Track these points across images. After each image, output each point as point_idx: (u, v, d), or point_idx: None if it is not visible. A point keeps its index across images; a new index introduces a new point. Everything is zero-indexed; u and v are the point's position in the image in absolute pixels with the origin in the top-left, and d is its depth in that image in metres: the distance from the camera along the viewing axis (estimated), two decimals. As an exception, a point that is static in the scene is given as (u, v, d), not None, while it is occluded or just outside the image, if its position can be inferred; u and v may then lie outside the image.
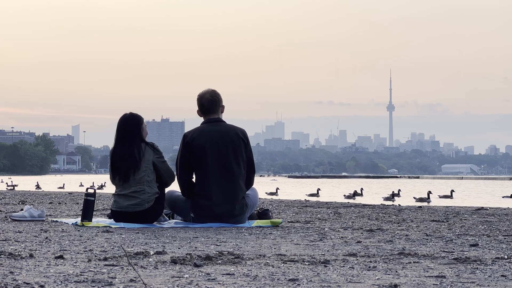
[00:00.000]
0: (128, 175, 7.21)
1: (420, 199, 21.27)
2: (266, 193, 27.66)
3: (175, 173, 7.40)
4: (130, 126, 7.32)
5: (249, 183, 7.41)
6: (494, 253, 4.83)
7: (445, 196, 25.00)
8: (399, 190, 27.32)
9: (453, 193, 25.59)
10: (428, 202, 19.97)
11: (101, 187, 37.07)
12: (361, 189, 27.97)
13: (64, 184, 40.53)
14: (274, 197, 22.28)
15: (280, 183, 55.65)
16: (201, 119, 7.54)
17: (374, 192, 32.69)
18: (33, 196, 16.09)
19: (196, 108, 7.50)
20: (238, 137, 7.35)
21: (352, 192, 25.52)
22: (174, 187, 7.52)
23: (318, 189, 28.32)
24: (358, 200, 21.82)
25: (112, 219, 7.40)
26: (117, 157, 7.29)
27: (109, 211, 8.64)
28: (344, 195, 25.07)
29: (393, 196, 23.24)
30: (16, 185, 34.92)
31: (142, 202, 7.18)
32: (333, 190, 35.32)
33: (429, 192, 23.33)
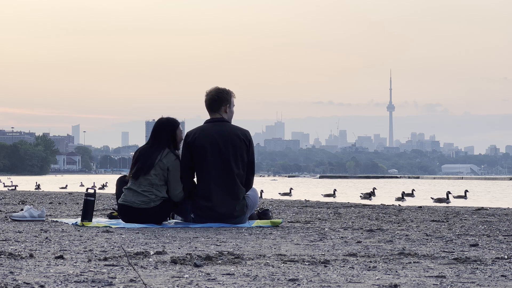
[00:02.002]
0: (139, 174, 7.25)
1: (439, 200, 20.89)
2: (279, 193, 27.53)
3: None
4: (161, 131, 7.37)
5: (248, 185, 7.36)
6: (494, 253, 4.83)
7: (459, 197, 24.74)
8: (413, 190, 27.14)
9: (467, 193, 25.41)
10: (448, 203, 19.61)
11: (102, 187, 37.05)
12: (374, 189, 27.84)
13: (66, 185, 40.40)
14: (287, 197, 22.15)
15: (280, 183, 55.53)
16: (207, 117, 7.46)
17: (385, 192, 32.52)
18: (33, 196, 16.08)
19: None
20: (239, 138, 7.28)
21: (368, 193, 25.33)
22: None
23: (335, 190, 27.89)
24: (374, 200, 21.62)
25: (111, 220, 7.40)
26: (137, 155, 7.40)
27: (109, 211, 8.65)
28: (361, 196, 24.91)
29: (403, 196, 23.06)
30: (16, 186, 34.87)
31: (148, 201, 7.20)
32: (341, 191, 35.12)
33: (448, 192, 22.97)
